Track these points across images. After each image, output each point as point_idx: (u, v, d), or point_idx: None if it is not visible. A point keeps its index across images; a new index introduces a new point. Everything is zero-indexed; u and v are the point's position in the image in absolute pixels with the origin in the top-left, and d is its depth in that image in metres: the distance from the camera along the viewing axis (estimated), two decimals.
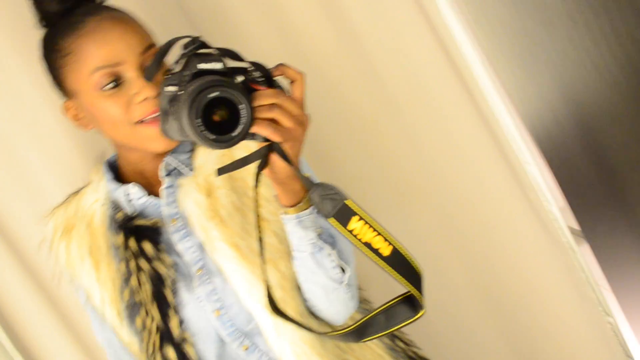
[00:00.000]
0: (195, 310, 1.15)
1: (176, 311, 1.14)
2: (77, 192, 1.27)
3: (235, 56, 0.97)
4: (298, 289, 1.14)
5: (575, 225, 1.68)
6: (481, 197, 1.69)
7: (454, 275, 1.77)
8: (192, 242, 1.17)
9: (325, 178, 1.27)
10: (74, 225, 1.22)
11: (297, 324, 1.03)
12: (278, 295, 1.11)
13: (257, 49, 1.54)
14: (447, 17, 1.54)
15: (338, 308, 1.14)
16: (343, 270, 1.10)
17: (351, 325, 1.02)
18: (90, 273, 1.19)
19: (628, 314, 1.75)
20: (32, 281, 1.56)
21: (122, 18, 1.11)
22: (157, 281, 1.15)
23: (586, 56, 1.51)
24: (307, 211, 1.04)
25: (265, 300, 1.01)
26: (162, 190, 1.18)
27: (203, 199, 1.15)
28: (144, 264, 1.15)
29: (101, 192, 1.22)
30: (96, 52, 1.08)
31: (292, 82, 0.98)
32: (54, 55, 1.12)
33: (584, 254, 1.71)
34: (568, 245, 1.70)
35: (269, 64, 0.99)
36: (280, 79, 0.99)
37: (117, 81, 1.09)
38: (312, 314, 1.16)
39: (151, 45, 1.12)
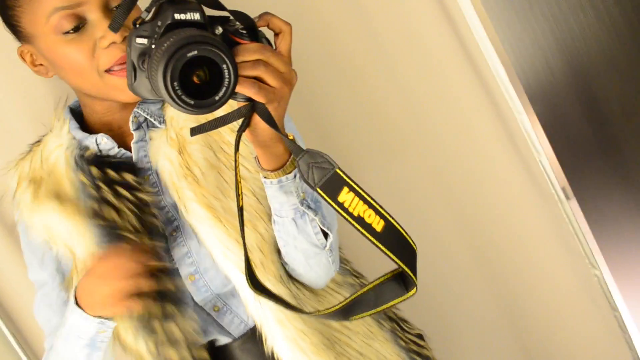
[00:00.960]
0: (169, 269, 1.08)
1: (164, 237, 1.06)
2: (38, 141, 1.18)
3: (215, 4, 0.86)
4: (278, 252, 1.08)
5: (564, 179, 1.64)
6: (470, 147, 1.64)
7: (442, 225, 1.73)
8: (166, 201, 1.09)
9: (312, 129, 1.19)
10: (42, 177, 1.12)
11: (280, 302, 0.97)
12: (256, 259, 1.05)
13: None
14: None
15: (319, 272, 1.08)
16: (325, 235, 1.04)
17: (337, 305, 0.96)
18: (56, 211, 1.09)
19: (613, 267, 1.74)
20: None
21: None
22: (143, 209, 1.06)
23: None
24: (290, 175, 0.95)
25: (246, 276, 0.94)
26: (133, 144, 1.09)
27: (175, 154, 1.06)
28: (124, 192, 1.06)
29: (64, 137, 1.12)
30: None
31: (277, 34, 0.87)
32: None
33: (572, 207, 1.68)
34: (556, 198, 1.67)
35: (252, 13, 0.88)
36: (265, 30, 0.88)
37: (79, 24, 0.98)
38: (292, 278, 1.10)
39: None
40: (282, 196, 0.98)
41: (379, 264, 1.02)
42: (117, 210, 1.06)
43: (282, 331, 1.06)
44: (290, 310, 0.97)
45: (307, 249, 1.04)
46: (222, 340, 1.13)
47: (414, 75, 1.60)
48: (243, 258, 0.96)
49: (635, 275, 1.75)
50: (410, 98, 1.62)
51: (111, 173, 1.07)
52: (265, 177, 0.97)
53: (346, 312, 0.96)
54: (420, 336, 1.28)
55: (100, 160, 1.08)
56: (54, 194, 1.10)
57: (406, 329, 1.26)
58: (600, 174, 1.62)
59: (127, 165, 1.09)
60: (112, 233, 1.05)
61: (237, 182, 0.91)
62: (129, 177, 1.07)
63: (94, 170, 1.07)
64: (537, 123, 1.60)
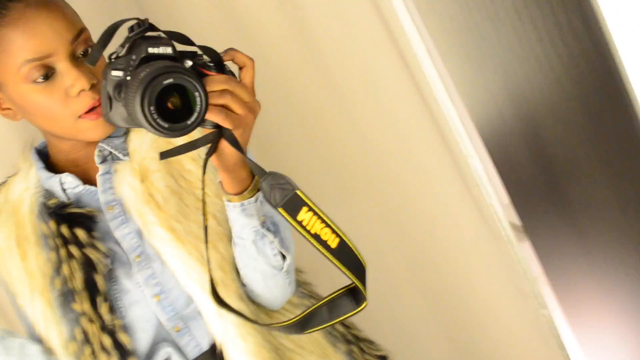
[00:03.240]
0: (135, 297, 1.13)
1: (106, 298, 1.11)
2: (4, 182, 1.22)
3: (185, 40, 0.94)
4: (237, 271, 1.14)
5: (517, 220, 1.70)
6: (423, 189, 1.70)
7: (394, 265, 1.77)
8: (130, 228, 1.14)
9: (268, 167, 1.25)
10: (4, 218, 1.17)
11: (241, 316, 1.02)
12: (218, 277, 1.10)
13: (205, 33, 1.50)
14: (397, 10, 1.54)
15: (276, 293, 1.14)
16: (283, 257, 1.10)
17: (294, 318, 1.01)
18: (17, 264, 1.15)
19: (565, 307, 1.81)
20: None
21: (49, 2, 1.05)
22: (88, 268, 1.11)
23: (531, 52, 1.53)
24: (252, 199, 1.02)
25: (209, 291, 0.99)
26: (98, 177, 1.15)
27: (138, 183, 1.12)
28: (75, 250, 1.11)
29: (31, 180, 1.17)
30: (23, 43, 1.02)
31: (241, 67, 0.96)
32: None
33: (524, 249, 1.74)
34: (507, 239, 1.72)
35: (218, 49, 0.96)
36: (229, 65, 0.96)
37: (48, 72, 1.04)
38: (250, 298, 1.15)
39: (82, 31, 1.06)
40: (243, 219, 1.04)
41: (330, 282, 1.08)
42: (70, 269, 1.12)
43: (244, 345, 1.11)
44: (250, 322, 1.02)
45: (266, 270, 1.09)
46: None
47: (371, 119, 1.66)
48: (205, 278, 1.03)
49: (585, 314, 1.80)
50: (366, 141, 1.68)
51: (64, 230, 1.12)
52: (228, 201, 1.03)
53: (302, 325, 1.01)
54: (383, 357, 1.32)
55: (58, 213, 1.13)
56: (15, 239, 1.15)
57: (367, 350, 1.30)
58: (550, 215, 1.69)
59: (84, 219, 1.14)
60: (65, 294, 1.12)
61: (203, 202, 0.98)
62: (81, 234, 1.12)
63: (52, 225, 1.13)
64: (491, 166, 1.67)
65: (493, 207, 1.70)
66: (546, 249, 1.73)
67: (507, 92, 1.58)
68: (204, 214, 0.98)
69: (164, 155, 0.94)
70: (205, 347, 1.16)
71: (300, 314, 1.01)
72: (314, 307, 1.02)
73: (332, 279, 1.07)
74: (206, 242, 0.99)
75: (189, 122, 0.87)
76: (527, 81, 1.55)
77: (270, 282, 1.12)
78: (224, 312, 1.07)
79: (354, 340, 1.29)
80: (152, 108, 0.85)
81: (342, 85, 1.63)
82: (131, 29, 0.92)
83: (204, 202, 0.97)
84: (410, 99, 1.62)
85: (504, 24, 1.49)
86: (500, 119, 1.61)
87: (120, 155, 1.15)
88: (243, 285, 1.14)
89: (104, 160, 1.15)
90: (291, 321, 1.01)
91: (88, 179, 1.16)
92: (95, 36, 0.96)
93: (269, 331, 1.15)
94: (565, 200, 1.65)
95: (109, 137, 1.15)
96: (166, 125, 0.86)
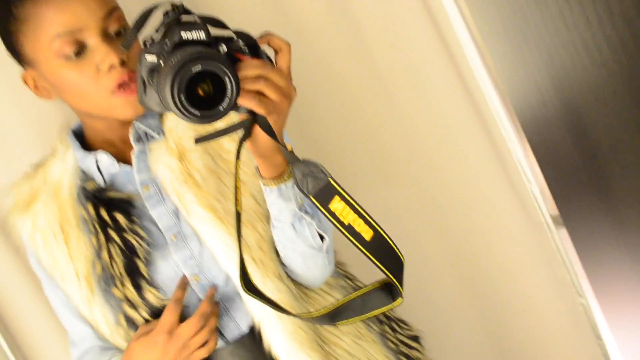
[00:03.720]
0: (173, 277, 1.13)
1: (150, 283, 1.12)
2: (41, 164, 1.22)
3: (219, 24, 0.93)
4: (276, 251, 1.13)
5: (554, 208, 1.68)
6: (463, 175, 1.68)
7: (430, 250, 1.76)
8: (166, 207, 1.14)
9: (306, 151, 1.24)
10: (39, 198, 1.17)
11: (270, 304, 1.01)
12: (257, 257, 1.10)
13: (241, 16, 1.48)
14: None
15: (315, 273, 1.14)
16: (322, 238, 1.09)
17: (325, 309, 1.01)
18: (62, 248, 1.15)
19: (600, 297, 1.77)
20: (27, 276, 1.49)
21: None
22: (129, 253, 1.12)
23: (577, 36, 1.49)
24: (288, 183, 1.02)
25: (240, 277, 0.99)
26: (133, 156, 1.15)
27: (175, 162, 1.12)
28: (114, 235, 1.12)
29: (69, 162, 1.18)
30: (55, 17, 1.02)
31: (277, 52, 0.94)
32: (8, 21, 1.05)
33: (562, 237, 1.70)
34: (545, 226, 1.70)
35: (254, 32, 0.94)
36: (266, 49, 0.95)
37: (80, 49, 1.04)
38: (290, 277, 1.15)
39: (114, 9, 1.07)
40: (281, 202, 1.03)
41: (370, 269, 1.07)
42: (110, 254, 1.12)
43: (282, 325, 1.11)
44: (280, 312, 1.02)
45: (305, 251, 1.09)
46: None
47: (411, 104, 1.64)
48: (244, 257, 1.01)
49: (622, 305, 1.77)
50: (406, 126, 1.66)
51: (103, 214, 1.13)
52: (265, 185, 1.02)
53: (333, 317, 1.01)
54: (414, 338, 1.31)
55: (97, 197, 1.14)
56: (58, 222, 1.16)
57: (399, 330, 1.29)
58: (590, 204, 1.66)
59: (123, 203, 1.14)
60: (107, 279, 1.12)
61: (236, 188, 0.97)
62: (121, 218, 1.13)
63: (90, 209, 1.13)
64: (530, 153, 1.64)
65: (532, 194, 1.68)
66: (585, 237, 1.69)
67: (550, 78, 1.54)
68: (237, 200, 0.97)
69: (199, 140, 0.94)
70: (244, 329, 1.16)
71: (331, 306, 1.01)
72: (347, 299, 1.01)
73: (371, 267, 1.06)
74: (238, 229, 0.97)
75: (220, 108, 0.86)
76: (572, 66, 1.51)
77: (309, 262, 1.11)
78: (262, 289, 1.07)
79: (386, 320, 1.29)
80: (182, 95, 0.84)
81: (383, 71, 1.61)
82: (166, 13, 0.91)
83: (236, 187, 0.96)
84: (452, 85, 1.60)
85: (550, 7, 1.45)
86: (542, 105, 1.58)
87: (155, 135, 1.15)
88: (282, 265, 1.14)
89: (139, 139, 1.15)
90: (323, 312, 1.00)
91: (123, 159, 1.16)
92: (132, 20, 0.95)
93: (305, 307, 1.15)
94: (606, 188, 1.62)
95: (143, 116, 1.14)
96: (197, 113, 0.85)
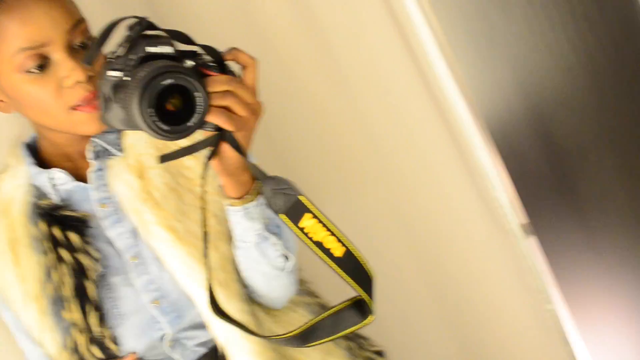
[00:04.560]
0: (132, 304, 1.10)
1: (97, 307, 1.08)
2: None
3: (185, 39, 0.90)
4: (238, 271, 1.11)
5: (523, 215, 1.68)
6: (430, 184, 1.66)
7: (399, 259, 1.74)
8: (125, 227, 1.10)
9: (275, 164, 1.21)
10: None
11: (240, 327, 0.99)
12: (220, 278, 1.07)
13: (207, 30, 1.45)
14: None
15: (279, 294, 1.12)
16: (286, 258, 1.07)
17: (295, 330, 0.98)
18: (10, 268, 1.10)
19: (570, 302, 1.78)
20: None
21: None
22: (79, 274, 1.08)
23: (541, 40, 1.49)
24: (254, 202, 0.99)
25: (208, 302, 0.96)
26: (90, 173, 1.11)
27: (135, 180, 1.08)
28: (65, 254, 1.08)
29: (21, 178, 1.13)
30: (18, 31, 0.97)
31: (244, 67, 0.92)
32: None
33: (530, 244, 1.71)
34: (513, 235, 1.70)
35: (221, 47, 0.93)
36: (232, 64, 0.93)
37: (43, 63, 0.99)
38: (252, 299, 1.13)
39: (79, 21, 1.02)
40: (246, 222, 1.00)
41: (338, 287, 1.04)
42: (60, 275, 1.08)
43: (249, 346, 1.07)
44: (249, 334, 0.99)
45: (269, 272, 1.06)
46: None
47: (377, 112, 1.62)
48: (208, 296, 0.98)
49: (591, 310, 1.79)
50: (372, 134, 1.64)
51: (57, 232, 1.08)
52: (230, 205, 0.99)
53: (304, 338, 0.98)
54: (379, 353, 1.29)
55: (51, 215, 1.10)
56: (7, 241, 1.11)
57: (364, 346, 1.28)
58: (558, 210, 1.66)
59: (78, 222, 1.10)
60: (56, 301, 1.08)
61: (203, 209, 0.94)
62: (74, 238, 1.09)
63: (42, 227, 1.09)
64: (498, 160, 1.63)
65: (499, 201, 1.68)
66: (553, 244, 1.70)
67: (516, 83, 1.54)
68: (204, 221, 0.94)
69: (164, 159, 0.91)
70: (202, 350, 1.13)
71: (302, 326, 0.98)
72: (317, 319, 0.98)
73: (338, 286, 1.03)
74: (206, 249, 0.95)
75: (189, 124, 0.84)
76: (538, 71, 1.51)
77: (273, 283, 1.09)
78: (225, 310, 1.04)
79: (352, 336, 1.27)
80: (151, 110, 0.81)
81: (349, 80, 1.60)
82: (130, 27, 0.88)
83: (203, 208, 0.94)
84: (417, 92, 1.59)
85: (515, 11, 1.45)
86: (508, 111, 1.58)
87: (114, 151, 1.11)
88: (245, 286, 1.11)
89: (96, 156, 1.11)
90: (293, 333, 0.98)
91: (80, 176, 1.12)
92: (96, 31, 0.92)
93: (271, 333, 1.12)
94: (573, 194, 1.63)
95: (102, 132, 1.10)
96: (166, 128, 0.83)
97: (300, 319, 1.17)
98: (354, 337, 1.27)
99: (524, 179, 1.63)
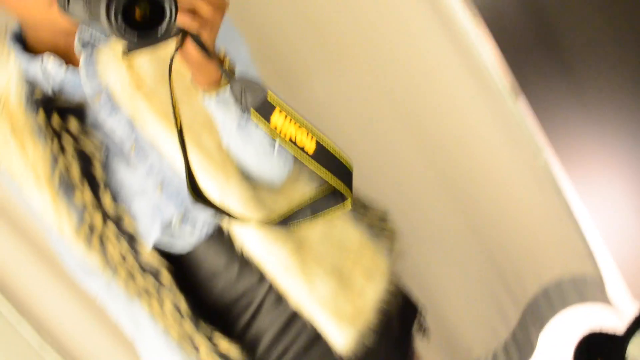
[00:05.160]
0: (137, 188, 1.11)
1: (107, 187, 1.10)
2: None
3: None
4: None
5: (509, 74, 1.66)
6: (416, 51, 1.66)
7: (392, 126, 1.76)
8: (120, 117, 1.11)
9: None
10: None
11: (220, 212, 1.00)
12: (217, 160, 1.08)
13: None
14: None
15: (272, 174, 1.13)
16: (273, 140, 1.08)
17: (275, 218, 1.03)
18: (18, 157, 1.11)
19: (560, 152, 1.81)
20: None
21: None
22: (84, 159, 1.09)
23: None
24: (226, 89, 0.98)
25: (188, 186, 0.97)
26: (81, 64, 1.10)
27: (124, 69, 1.08)
28: (68, 142, 1.08)
29: (12, 68, 1.12)
30: None
31: None
32: None
33: (519, 101, 1.71)
34: (500, 94, 1.70)
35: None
36: None
37: None
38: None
39: None
40: (222, 109, 1.01)
41: None
42: (66, 161, 1.09)
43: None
44: (232, 219, 1.02)
45: (256, 155, 1.07)
46: (182, 247, 1.16)
47: None
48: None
49: (580, 160, 1.81)
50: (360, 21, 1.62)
51: (55, 120, 1.09)
52: (204, 96, 1.00)
53: (285, 221, 1.03)
54: (384, 214, 1.33)
55: (47, 103, 1.10)
56: (10, 131, 1.11)
57: (370, 208, 1.31)
58: (544, 65, 1.65)
59: (75, 111, 1.10)
60: (66, 186, 1.09)
61: (173, 106, 0.94)
62: (74, 126, 1.09)
63: (41, 117, 1.09)
64: (480, 21, 1.60)
65: (485, 63, 1.66)
66: (540, 100, 1.70)
67: None
68: (175, 117, 0.94)
69: (127, 52, 0.90)
70: (211, 230, 1.15)
71: (282, 214, 1.02)
72: (296, 208, 1.02)
73: None
74: (183, 146, 0.95)
75: (159, 30, 0.82)
76: None
77: (263, 165, 1.10)
78: (226, 190, 1.07)
79: (356, 200, 1.29)
80: (119, 17, 0.79)
81: None
82: None
83: (173, 106, 0.93)
84: None
85: None
86: None
87: (102, 40, 1.10)
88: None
89: (85, 47, 1.10)
90: (273, 219, 1.02)
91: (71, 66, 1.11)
92: None
93: (273, 204, 1.14)
94: (558, 48, 1.60)
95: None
96: (135, 34, 0.81)
97: (304, 187, 1.19)
98: (358, 202, 1.30)
99: (507, 38, 1.61)
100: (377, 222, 1.30)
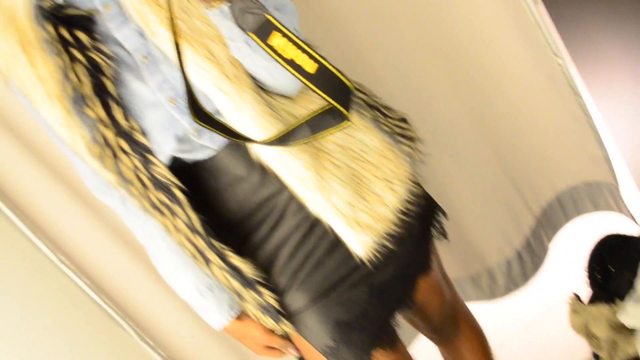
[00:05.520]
0: (149, 101, 1.12)
1: (118, 103, 1.10)
2: None
3: None
4: None
5: None
6: None
7: (404, 30, 1.75)
8: (131, 28, 1.10)
9: None
10: None
11: (223, 130, 1.04)
12: (230, 73, 1.08)
13: None
14: None
15: (285, 83, 1.12)
16: None
17: (274, 136, 1.04)
18: (28, 71, 1.10)
19: (575, 56, 1.78)
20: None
21: None
22: (95, 72, 1.08)
23: None
24: (227, 3, 1.00)
25: (189, 108, 1.00)
26: None
27: None
28: (78, 54, 1.08)
29: None
30: None
31: None
32: None
33: (539, 4, 1.67)
34: None
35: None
36: None
37: None
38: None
39: None
40: (228, 22, 1.02)
41: None
42: (76, 74, 1.08)
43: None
44: (234, 139, 1.04)
45: (266, 64, 1.07)
46: (203, 154, 1.17)
47: None
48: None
49: (597, 64, 1.77)
50: None
51: (64, 33, 1.07)
52: (207, 9, 1.01)
53: (283, 140, 1.05)
54: (403, 120, 1.32)
55: (55, 15, 1.08)
56: (19, 45, 1.10)
57: (388, 114, 1.30)
58: None
59: (84, 20, 1.09)
60: (78, 100, 1.08)
61: (172, 19, 0.98)
62: (83, 37, 1.07)
63: (50, 29, 1.07)
64: None
65: None
66: (559, 1, 1.63)
67: None
68: (174, 32, 0.98)
69: None
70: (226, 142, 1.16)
71: (279, 133, 1.04)
72: (294, 126, 1.04)
73: None
74: (180, 63, 0.98)
75: None
76: None
77: (275, 74, 1.09)
78: (239, 105, 1.08)
79: (375, 105, 1.30)
80: None
81: None
82: None
83: (172, 20, 0.97)
84: None
85: None
86: None
87: None
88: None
89: None
90: (272, 139, 1.04)
91: None
92: None
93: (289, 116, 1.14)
94: None
95: None
96: None
97: (316, 97, 1.17)
98: (378, 106, 1.30)
99: None
100: (397, 128, 1.30)
